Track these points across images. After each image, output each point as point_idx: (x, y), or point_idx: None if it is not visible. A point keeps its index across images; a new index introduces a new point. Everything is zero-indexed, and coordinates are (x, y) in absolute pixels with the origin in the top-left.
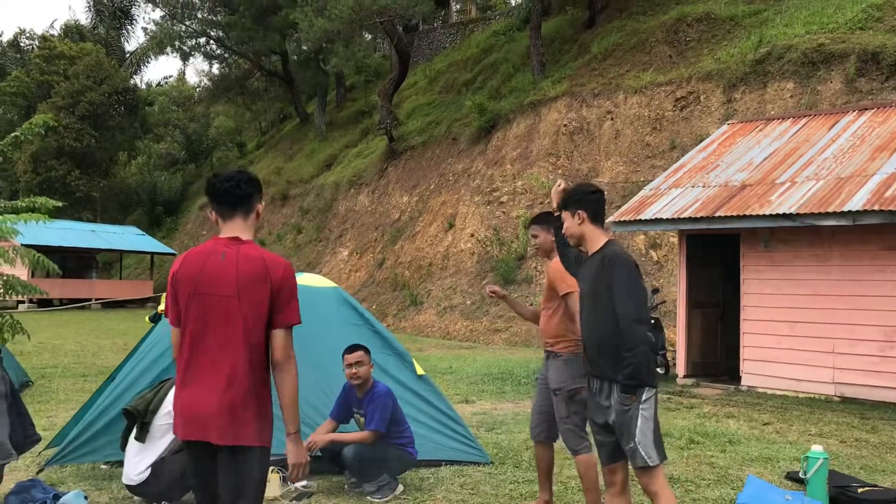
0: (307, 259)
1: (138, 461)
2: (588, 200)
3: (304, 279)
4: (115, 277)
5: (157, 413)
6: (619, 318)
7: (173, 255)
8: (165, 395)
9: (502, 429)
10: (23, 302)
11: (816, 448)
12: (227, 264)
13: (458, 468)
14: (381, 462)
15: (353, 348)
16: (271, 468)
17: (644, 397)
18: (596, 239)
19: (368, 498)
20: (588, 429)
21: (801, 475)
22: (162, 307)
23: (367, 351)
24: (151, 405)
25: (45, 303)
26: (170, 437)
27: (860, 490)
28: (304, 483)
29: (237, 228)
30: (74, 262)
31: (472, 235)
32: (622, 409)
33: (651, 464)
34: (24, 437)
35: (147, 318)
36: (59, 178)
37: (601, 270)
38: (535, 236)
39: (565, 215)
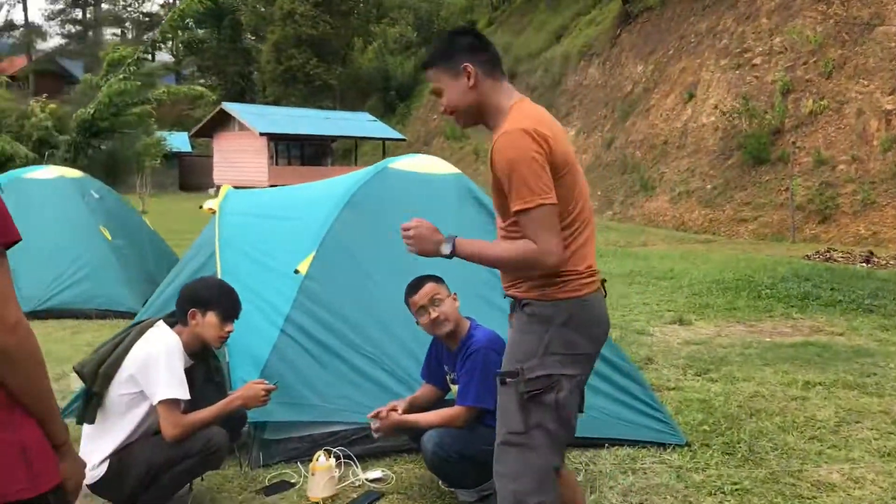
0: None
1: (91, 451)
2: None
3: (410, 164)
4: (351, 164)
5: (115, 379)
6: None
7: (403, 140)
8: (127, 349)
9: (721, 372)
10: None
11: None
12: None
13: (627, 453)
14: (480, 460)
15: (417, 284)
16: (322, 450)
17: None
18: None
19: None
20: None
21: None
22: (209, 204)
23: (439, 280)
24: (105, 366)
25: None
26: (137, 413)
27: None
28: (375, 474)
29: None
30: (312, 149)
31: (716, 107)
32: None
33: None
34: None
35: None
36: (299, 67)
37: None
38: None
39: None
